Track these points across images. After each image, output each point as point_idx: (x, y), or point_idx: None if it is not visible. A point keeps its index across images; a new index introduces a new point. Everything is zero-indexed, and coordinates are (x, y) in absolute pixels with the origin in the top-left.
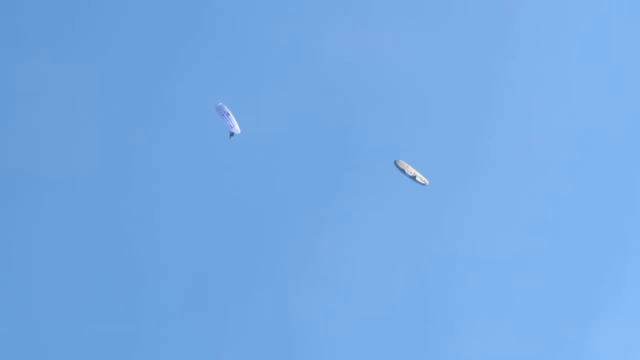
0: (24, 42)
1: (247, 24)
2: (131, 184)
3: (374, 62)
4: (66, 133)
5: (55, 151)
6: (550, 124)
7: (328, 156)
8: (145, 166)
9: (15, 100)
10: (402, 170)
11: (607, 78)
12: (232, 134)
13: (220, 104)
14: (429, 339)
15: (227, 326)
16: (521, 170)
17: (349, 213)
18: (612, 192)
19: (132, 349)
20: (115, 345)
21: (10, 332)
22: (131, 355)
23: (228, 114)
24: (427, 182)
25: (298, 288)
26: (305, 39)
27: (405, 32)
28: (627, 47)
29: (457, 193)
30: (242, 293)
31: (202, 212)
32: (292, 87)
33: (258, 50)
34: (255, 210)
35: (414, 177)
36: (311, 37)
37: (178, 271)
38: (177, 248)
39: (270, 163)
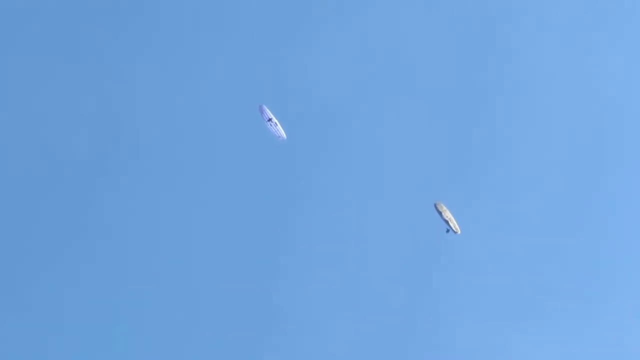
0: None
1: None
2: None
3: None
4: None
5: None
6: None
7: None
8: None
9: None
10: (440, 213)
11: (607, 76)
12: (270, 120)
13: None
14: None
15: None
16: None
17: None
18: None
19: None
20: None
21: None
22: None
23: (276, 123)
24: (458, 230)
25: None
26: None
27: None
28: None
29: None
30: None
31: None
32: None
33: None
34: None
35: (447, 222)
36: None
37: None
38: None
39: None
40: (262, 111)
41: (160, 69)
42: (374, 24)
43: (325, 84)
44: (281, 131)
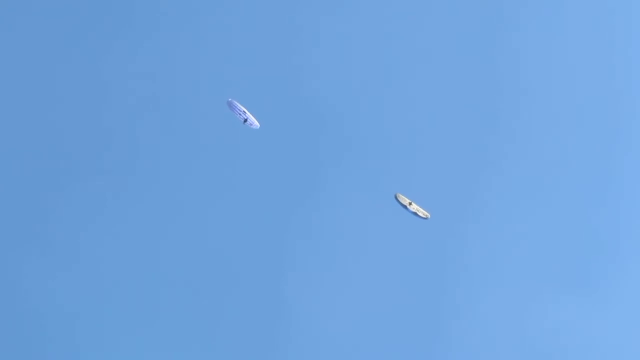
0: None
1: None
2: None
3: None
4: None
5: None
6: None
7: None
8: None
9: None
10: (404, 206)
11: (606, 77)
12: (245, 120)
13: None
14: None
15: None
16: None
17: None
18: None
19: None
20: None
21: None
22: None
23: (244, 111)
24: (428, 215)
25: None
26: None
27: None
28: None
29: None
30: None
31: None
32: None
33: None
34: None
35: (416, 213)
36: None
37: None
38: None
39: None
40: (232, 107)
41: (152, 66)
42: (367, 19)
43: (322, 82)
44: (253, 120)
